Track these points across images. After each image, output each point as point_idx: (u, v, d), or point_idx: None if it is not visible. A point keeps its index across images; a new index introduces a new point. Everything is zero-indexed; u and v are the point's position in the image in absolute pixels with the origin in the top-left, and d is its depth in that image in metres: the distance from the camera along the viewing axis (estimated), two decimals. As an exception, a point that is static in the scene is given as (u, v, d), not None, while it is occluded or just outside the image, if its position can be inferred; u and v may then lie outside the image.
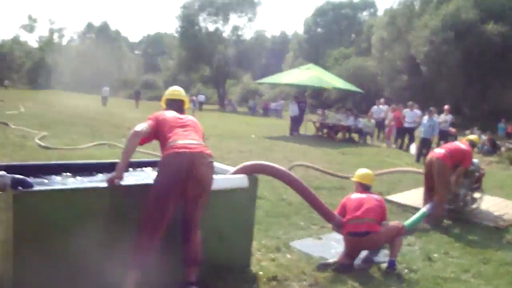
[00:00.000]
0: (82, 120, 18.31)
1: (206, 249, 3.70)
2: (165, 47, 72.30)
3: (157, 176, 3.51)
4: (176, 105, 4.12)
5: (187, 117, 3.95)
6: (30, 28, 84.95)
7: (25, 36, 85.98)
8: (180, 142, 3.52)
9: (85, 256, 3.25)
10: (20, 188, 2.99)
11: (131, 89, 56.57)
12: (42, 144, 10.82)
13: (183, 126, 3.74)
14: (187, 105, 4.26)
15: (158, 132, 3.70)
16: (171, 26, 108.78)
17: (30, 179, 3.12)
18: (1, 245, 3.26)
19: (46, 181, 3.78)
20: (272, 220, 5.94)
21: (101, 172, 4.21)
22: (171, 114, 3.88)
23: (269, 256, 4.72)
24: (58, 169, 4.16)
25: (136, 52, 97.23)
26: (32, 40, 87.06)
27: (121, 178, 3.46)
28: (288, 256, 4.78)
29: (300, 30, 66.87)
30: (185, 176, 3.42)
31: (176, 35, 61.40)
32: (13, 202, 2.95)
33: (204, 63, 58.09)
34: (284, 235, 5.44)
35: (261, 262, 4.51)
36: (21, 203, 2.98)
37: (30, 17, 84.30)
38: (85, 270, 3.29)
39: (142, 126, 3.62)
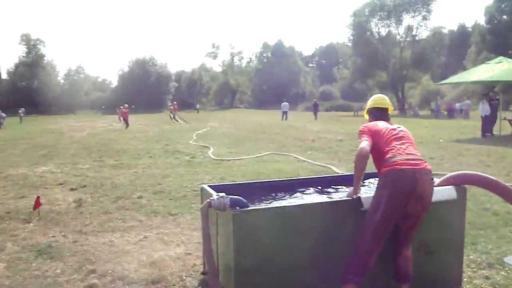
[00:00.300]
0: (267, 136, 19.33)
1: (414, 265, 3.56)
2: (339, 56, 72.71)
3: (378, 194, 3.39)
4: (381, 113, 3.92)
5: (399, 127, 3.69)
6: (214, 55, 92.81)
7: (210, 63, 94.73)
8: (401, 157, 3.35)
9: (298, 271, 3.41)
10: (237, 208, 3.29)
11: (308, 102, 58.01)
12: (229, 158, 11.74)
13: (399, 138, 3.54)
14: (391, 112, 4.04)
15: (373, 146, 3.50)
16: (343, 35, 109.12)
17: (245, 199, 3.39)
18: (222, 256, 3.61)
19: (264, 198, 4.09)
20: (478, 233, 5.46)
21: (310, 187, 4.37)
22: (383, 125, 3.67)
23: (481, 273, 4.33)
24: (265, 186, 4.46)
25: (310, 65, 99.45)
26: (216, 65, 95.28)
27: (357, 194, 3.53)
28: (504, 273, 4.32)
29: (482, 20, 60.91)
30: (408, 194, 3.27)
31: (349, 43, 61.35)
32: (232, 220, 3.25)
33: (380, 68, 57.02)
34: (494, 249, 4.94)
35: (473, 280, 4.15)
36: (239, 222, 3.25)
37: (213, 45, 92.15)
38: (299, 285, 3.44)
39: (365, 145, 3.46)
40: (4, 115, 35.61)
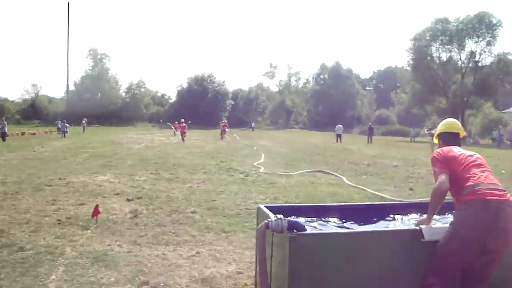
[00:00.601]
0: (321, 158, 19.16)
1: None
2: (397, 81, 71.50)
3: (455, 224, 3.21)
4: (453, 138, 3.74)
5: (475, 154, 3.50)
6: (271, 75, 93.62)
7: (267, 82, 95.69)
8: (484, 186, 3.15)
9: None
10: (294, 230, 3.23)
11: (364, 125, 57.24)
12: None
13: (478, 165, 3.34)
14: (462, 137, 3.86)
15: (450, 172, 3.33)
16: (402, 59, 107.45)
17: (303, 221, 3.34)
18: (275, 278, 3.55)
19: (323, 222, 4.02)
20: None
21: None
22: (459, 151, 3.50)
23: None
24: (321, 210, 4.39)
25: (368, 88, 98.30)
26: (273, 85, 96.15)
27: (428, 224, 3.36)
28: None
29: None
30: (490, 227, 3.05)
31: (408, 68, 60.19)
32: (288, 243, 3.20)
33: (439, 94, 55.67)
34: None
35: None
36: (295, 245, 3.20)
37: (271, 65, 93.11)
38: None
39: (445, 180, 3.26)
40: (67, 124, 37.20)
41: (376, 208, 4.58)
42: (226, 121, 46.53)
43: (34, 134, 39.47)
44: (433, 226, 3.42)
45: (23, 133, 38.19)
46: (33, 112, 76.49)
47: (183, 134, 32.26)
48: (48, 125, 56.50)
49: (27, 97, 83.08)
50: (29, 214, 7.28)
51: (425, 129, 44.40)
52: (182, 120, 34.06)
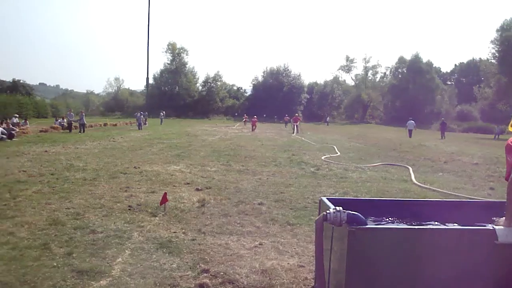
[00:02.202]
0: (396, 154, 18.53)
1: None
2: (481, 74, 67.68)
3: None
4: None
5: None
6: (347, 68, 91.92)
7: (343, 76, 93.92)
8: None
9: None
10: (354, 224, 3.08)
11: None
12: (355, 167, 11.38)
13: None
14: None
15: None
16: (486, 51, 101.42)
17: (362, 216, 3.18)
18: (333, 273, 3.42)
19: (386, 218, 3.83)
20: None
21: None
22: None
23: None
24: (387, 205, 4.18)
25: (449, 82, 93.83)
26: (349, 79, 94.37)
27: (509, 226, 3.10)
28: None
29: None
30: None
31: (494, 60, 56.74)
32: (348, 237, 3.05)
33: (528, 89, 51.99)
34: None
35: None
36: (354, 239, 3.05)
37: (347, 58, 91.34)
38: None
39: None
40: (146, 113, 38.59)
41: (449, 205, 4.30)
42: (297, 114, 46.19)
43: (115, 125, 41.40)
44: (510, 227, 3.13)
45: (105, 124, 40.19)
46: (115, 104, 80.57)
47: (253, 126, 37.59)
48: (129, 117, 59.09)
49: (110, 90, 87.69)
50: (103, 199, 7.60)
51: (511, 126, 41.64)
52: (255, 116, 39.34)
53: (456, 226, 3.35)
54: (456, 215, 3.88)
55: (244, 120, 46.93)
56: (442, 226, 3.27)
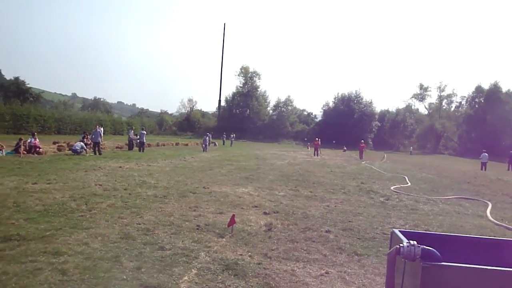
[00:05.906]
0: (471, 187, 17.67)
1: None
2: None
3: None
4: None
5: None
6: (421, 97, 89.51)
7: (416, 104, 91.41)
8: None
9: None
10: (429, 260, 2.95)
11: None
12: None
13: None
14: None
15: None
16: None
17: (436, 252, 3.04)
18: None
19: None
20: None
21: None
22: None
23: None
24: (464, 242, 3.97)
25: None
26: (422, 108, 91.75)
27: None
28: None
29: None
30: None
31: None
32: (421, 273, 2.93)
33: None
34: None
35: None
36: (428, 276, 2.92)
37: (421, 86, 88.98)
38: None
39: None
40: (208, 138, 38.35)
41: None
42: (318, 138, 44.96)
43: (186, 145, 42.60)
44: None
45: (177, 143, 41.47)
46: (188, 124, 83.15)
47: (316, 150, 38.71)
48: (200, 137, 60.51)
49: (183, 110, 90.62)
50: (172, 217, 7.79)
51: None
52: (317, 138, 42.22)
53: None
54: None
55: (307, 145, 47.76)
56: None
